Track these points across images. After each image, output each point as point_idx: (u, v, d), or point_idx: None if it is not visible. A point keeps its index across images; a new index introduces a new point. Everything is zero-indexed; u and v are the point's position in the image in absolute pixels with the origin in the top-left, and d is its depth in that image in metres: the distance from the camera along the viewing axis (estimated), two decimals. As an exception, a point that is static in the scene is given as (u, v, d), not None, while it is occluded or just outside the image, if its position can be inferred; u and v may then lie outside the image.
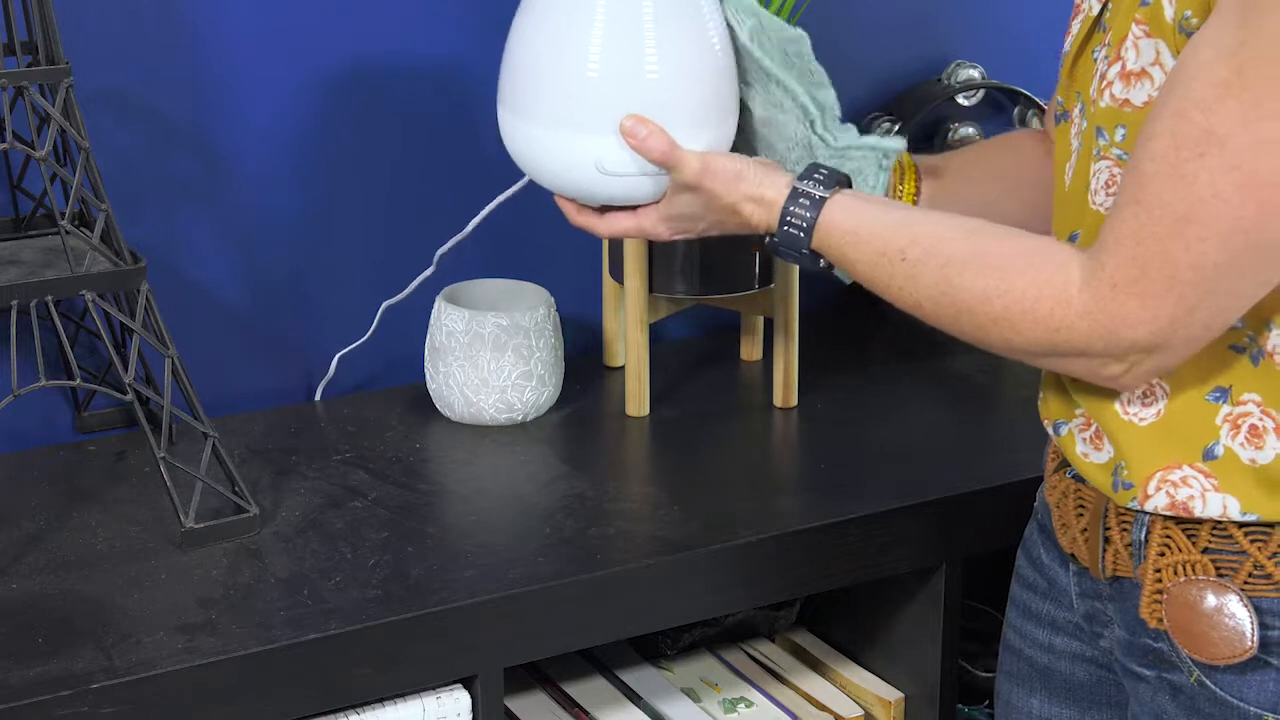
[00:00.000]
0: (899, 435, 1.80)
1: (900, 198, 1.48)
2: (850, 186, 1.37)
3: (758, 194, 1.38)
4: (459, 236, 1.82)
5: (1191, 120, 1.13)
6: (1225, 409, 1.23)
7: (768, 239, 1.39)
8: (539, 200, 1.93)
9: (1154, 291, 1.17)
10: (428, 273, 1.84)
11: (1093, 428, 1.30)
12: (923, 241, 1.29)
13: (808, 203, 1.35)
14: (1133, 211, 1.17)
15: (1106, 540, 1.32)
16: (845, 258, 1.34)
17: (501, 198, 1.79)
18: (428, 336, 1.82)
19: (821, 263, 1.37)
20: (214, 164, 1.80)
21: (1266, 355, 1.22)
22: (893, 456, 1.75)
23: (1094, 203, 1.26)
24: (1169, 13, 1.17)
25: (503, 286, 1.87)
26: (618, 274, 1.85)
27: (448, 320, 1.78)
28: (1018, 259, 1.24)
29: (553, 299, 1.83)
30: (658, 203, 1.44)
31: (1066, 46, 1.32)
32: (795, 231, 1.36)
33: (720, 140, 1.45)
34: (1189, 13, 1.16)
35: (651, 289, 1.82)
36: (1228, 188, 1.13)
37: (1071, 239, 1.29)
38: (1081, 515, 1.34)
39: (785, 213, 1.36)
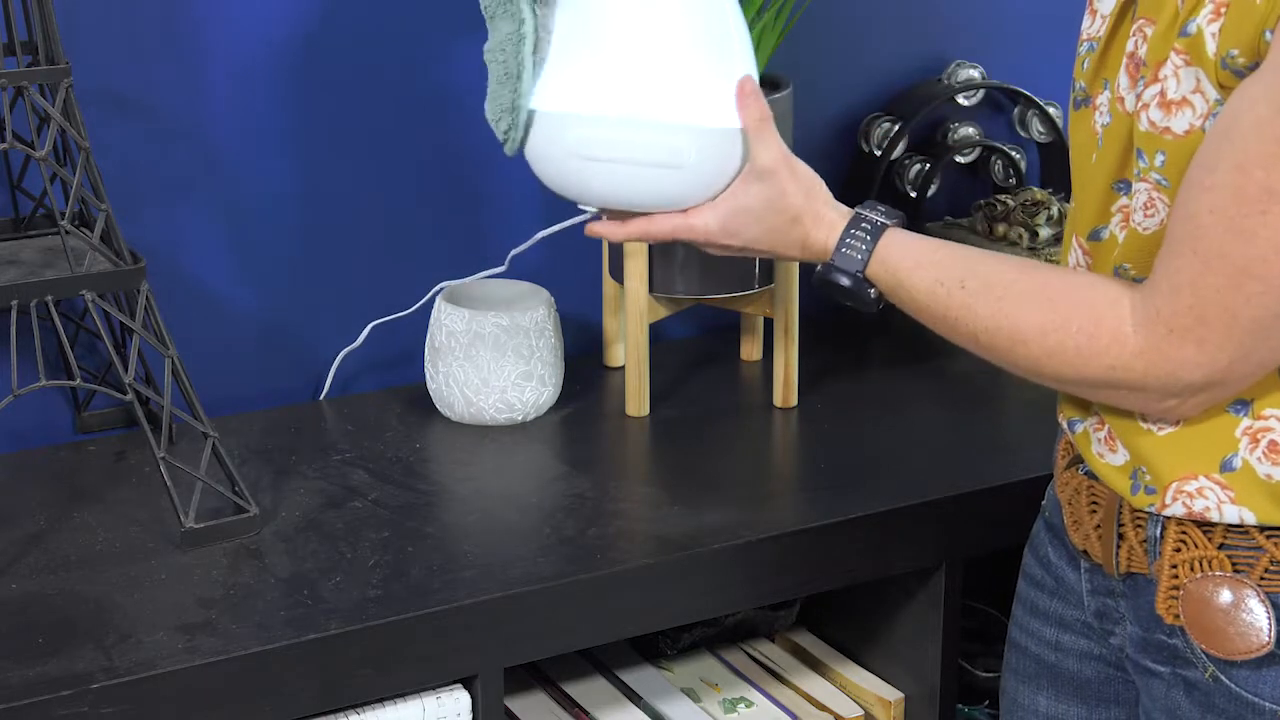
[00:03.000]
0: (899, 435, 1.80)
1: None
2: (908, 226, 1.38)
3: (822, 211, 1.39)
4: (531, 241, 1.87)
5: (1253, 177, 1.14)
6: (1245, 422, 1.24)
7: (819, 266, 1.39)
8: (539, 200, 1.94)
9: (1211, 338, 1.18)
10: (499, 270, 1.89)
11: (1106, 429, 1.30)
12: (980, 274, 1.30)
13: (869, 227, 1.36)
14: (1189, 261, 1.18)
15: (1121, 537, 1.32)
16: (900, 285, 1.34)
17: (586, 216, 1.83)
18: (428, 336, 1.82)
19: (872, 292, 1.37)
20: (214, 163, 1.80)
21: None
22: (893, 456, 1.75)
23: (1133, 221, 1.26)
24: (1211, 47, 1.17)
25: (503, 286, 1.87)
26: (618, 274, 1.85)
27: (448, 320, 1.78)
28: (1073, 294, 1.26)
29: (553, 299, 1.83)
30: (713, 201, 1.41)
31: (1099, 31, 1.30)
32: (853, 254, 1.36)
33: None
34: (1235, 51, 1.15)
35: (651, 289, 1.82)
36: None
37: (1094, 236, 1.30)
38: (1095, 512, 1.34)
39: (845, 234, 1.37)
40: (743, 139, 1.40)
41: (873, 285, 1.36)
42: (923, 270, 1.33)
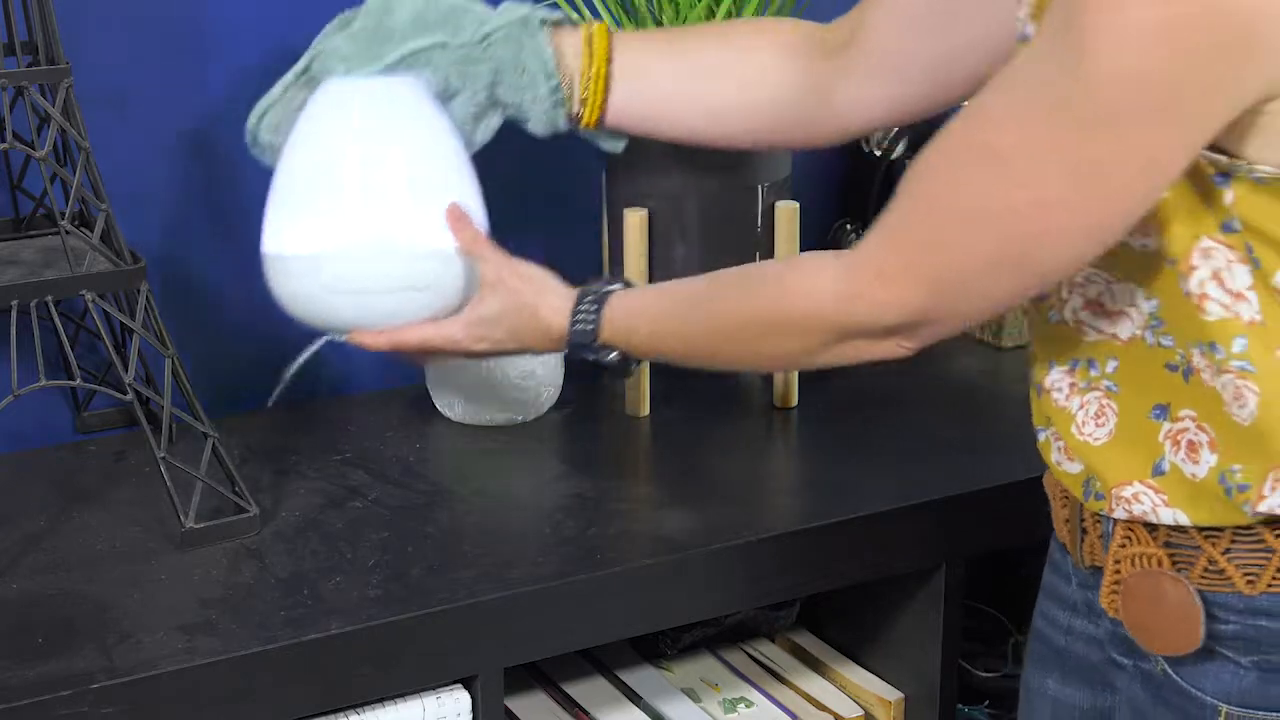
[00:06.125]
0: (899, 435, 1.80)
1: (592, 63, 1.53)
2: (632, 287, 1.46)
3: (552, 300, 1.45)
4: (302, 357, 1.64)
5: (978, 130, 1.15)
6: (1166, 425, 1.25)
7: (566, 350, 1.45)
8: (537, 201, 1.94)
9: (900, 279, 1.21)
10: None
11: (1062, 440, 1.32)
12: (698, 289, 1.38)
13: (593, 298, 1.43)
14: (900, 201, 1.21)
15: (1084, 532, 1.33)
16: (636, 332, 1.41)
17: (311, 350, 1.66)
18: (428, 336, 1.82)
19: (615, 356, 1.43)
20: (214, 163, 1.80)
21: (1195, 372, 1.23)
22: (893, 456, 1.75)
23: None
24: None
25: (503, 286, 1.87)
26: (617, 274, 1.85)
27: (448, 320, 1.78)
28: (779, 268, 1.33)
29: (553, 299, 1.83)
30: (458, 313, 1.49)
31: None
32: (584, 327, 1.42)
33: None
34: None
35: (651, 289, 1.82)
36: (999, 203, 1.15)
37: None
38: (1065, 506, 1.36)
39: (575, 312, 1.43)
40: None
41: (614, 349, 1.43)
42: (647, 311, 1.41)
